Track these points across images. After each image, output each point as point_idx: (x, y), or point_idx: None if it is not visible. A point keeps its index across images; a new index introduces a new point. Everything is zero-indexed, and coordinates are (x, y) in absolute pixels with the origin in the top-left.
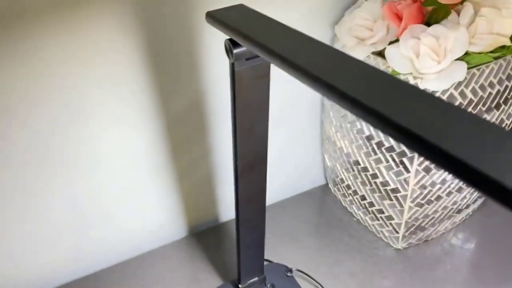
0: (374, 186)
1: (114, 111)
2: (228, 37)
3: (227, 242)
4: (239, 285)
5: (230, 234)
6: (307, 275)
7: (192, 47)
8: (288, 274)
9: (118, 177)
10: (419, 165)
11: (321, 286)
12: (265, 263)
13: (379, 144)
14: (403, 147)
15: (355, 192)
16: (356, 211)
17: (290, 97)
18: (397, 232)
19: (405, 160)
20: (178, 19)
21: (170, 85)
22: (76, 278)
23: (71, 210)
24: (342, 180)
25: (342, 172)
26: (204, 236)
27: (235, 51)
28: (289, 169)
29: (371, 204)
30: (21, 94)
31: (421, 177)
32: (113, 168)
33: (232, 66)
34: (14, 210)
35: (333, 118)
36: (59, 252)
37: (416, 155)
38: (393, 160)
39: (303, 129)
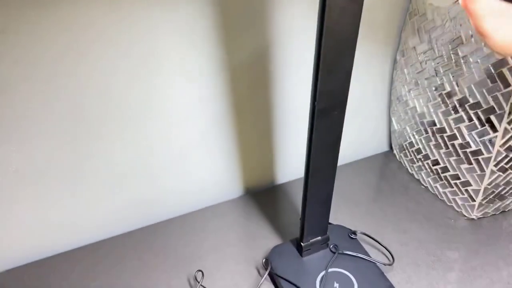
0: (451, 148)
1: (181, 60)
2: None
3: (286, 203)
4: (301, 243)
5: (288, 195)
6: (372, 238)
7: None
8: (352, 236)
9: (182, 126)
10: (509, 123)
11: (388, 250)
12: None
13: (462, 101)
14: (492, 103)
15: (426, 157)
16: (424, 177)
17: (360, 53)
18: (473, 200)
19: (492, 117)
20: None
21: (236, 36)
22: (135, 229)
23: (137, 157)
24: (411, 144)
25: (412, 135)
26: (261, 196)
27: None
28: (353, 132)
29: (445, 169)
30: (107, 44)
31: (509, 137)
32: (179, 115)
33: None
34: (85, 153)
35: (407, 75)
36: (123, 200)
37: (507, 111)
38: (478, 118)
39: (370, 90)
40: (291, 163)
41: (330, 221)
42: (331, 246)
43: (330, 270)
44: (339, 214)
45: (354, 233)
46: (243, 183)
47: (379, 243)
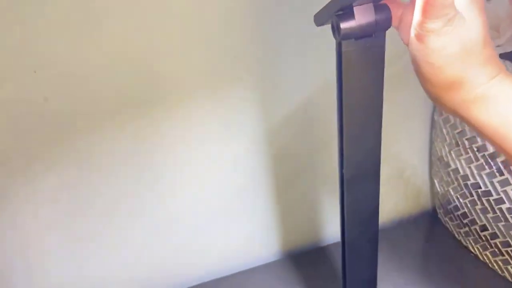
0: (498, 213)
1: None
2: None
3: (328, 268)
4: None
5: (331, 259)
6: None
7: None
8: None
9: (216, 188)
10: None
11: None
12: None
13: (506, 163)
14: None
15: (472, 222)
16: (473, 244)
17: (396, 113)
18: None
19: None
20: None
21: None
22: None
23: (162, 221)
24: (456, 208)
25: (457, 198)
26: (301, 259)
27: (342, 26)
28: (393, 194)
29: (494, 236)
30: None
31: None
32: (214, 176)
33: (339, 47)
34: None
35: (446, 135)
36: (148, 265)
37: None
38: None
39: (409, 151)
40: (333, 223)
41: None
42: None
43: None
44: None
45: None
46: (282, 244)
47: None
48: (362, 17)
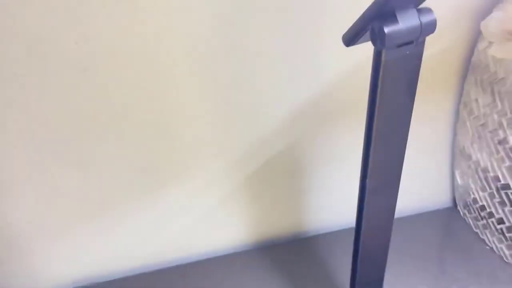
0: None
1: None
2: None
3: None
4: None
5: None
6: None
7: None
8: None
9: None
10: None
11: None
12: None
13: None
14: None
15: (490, 215)
16: (489, 237)
17: (421, 105)
18: None
19: None
20: None
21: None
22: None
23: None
24: (475, 200)
25: (476, 191)
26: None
27: (386, 30)
28: (413, 185)
29: (510, 229)
30: None
31: None
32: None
33: (378, 56)
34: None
35: (469, 127)
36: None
37: None
38: None
39: (433, 142)
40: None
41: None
42: None
43: None
44: (395, 270)
45: None
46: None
47: None
48: (406, 20)
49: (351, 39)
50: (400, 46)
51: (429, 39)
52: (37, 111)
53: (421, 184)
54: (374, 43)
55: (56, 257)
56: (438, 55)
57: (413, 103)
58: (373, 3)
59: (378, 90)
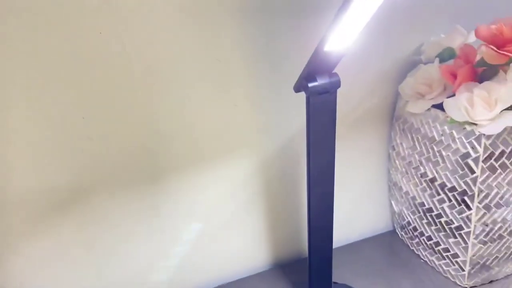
0: (439, 225)
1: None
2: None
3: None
4: None
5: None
6: None
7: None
8: None
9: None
10: (479, 202)
11: None
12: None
13: (442, 185)
14: (464, 186)
15: (421, 234)
16: (423, 252)
17: (360, 150)
18: (463, 270)
19: (466, 198)
20: None
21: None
22: None
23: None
24: (408, 223)
25: (408, 215)
26: (291, 268)
27: (309, 85)
28: (359, 215)
29: (437, 244)
30: None
31: (482, 215)
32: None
33: (308, 100)
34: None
35: (398, 165)
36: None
37: (476, 193)
38: (455, 199)
39: (371, 179)
40: None
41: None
42: None
43: None
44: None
45: None
46: (270, 254)
47: None
48: (321, 80)
49: (296, 88)
50: (320, 94)
51: (363, 97)
52: None
53: (365, 213)
54: (305, 92)
55: None
56: (371, 110)
57: (334, 135)
58: (304, 70)
59: (310, 122)
